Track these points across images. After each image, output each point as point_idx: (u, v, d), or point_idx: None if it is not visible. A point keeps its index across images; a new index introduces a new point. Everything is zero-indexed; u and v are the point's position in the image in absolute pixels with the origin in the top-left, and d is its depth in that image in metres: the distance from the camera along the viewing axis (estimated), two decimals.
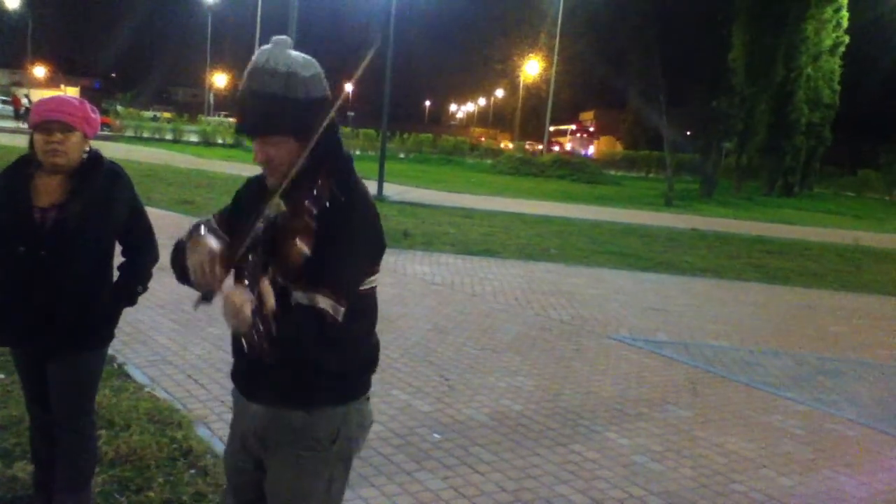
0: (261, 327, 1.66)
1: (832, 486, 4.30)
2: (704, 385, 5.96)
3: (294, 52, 1.90)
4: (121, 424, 4.01)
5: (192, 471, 3.64)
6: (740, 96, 33.65)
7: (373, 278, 2.01)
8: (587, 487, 3.97)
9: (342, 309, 1.82)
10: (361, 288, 1.96)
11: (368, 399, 2.14)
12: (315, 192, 1.86)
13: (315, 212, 1.83)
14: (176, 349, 5.49)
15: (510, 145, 61.42)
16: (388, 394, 5.00)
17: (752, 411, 5.46)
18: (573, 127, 58.69)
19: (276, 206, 1.83)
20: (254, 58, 1.88)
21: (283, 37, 1.90)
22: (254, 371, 2.00)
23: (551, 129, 57.12)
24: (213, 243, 1.82)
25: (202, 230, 1.90)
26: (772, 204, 31.77)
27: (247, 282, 1.86)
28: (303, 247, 1.76)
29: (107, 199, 2.80)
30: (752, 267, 12.75)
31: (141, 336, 5.69)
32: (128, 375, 4.85)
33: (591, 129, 47.33)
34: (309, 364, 1.92)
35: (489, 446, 4.37)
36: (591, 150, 45.71)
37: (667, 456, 4.49)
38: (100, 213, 2.77)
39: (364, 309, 2.00)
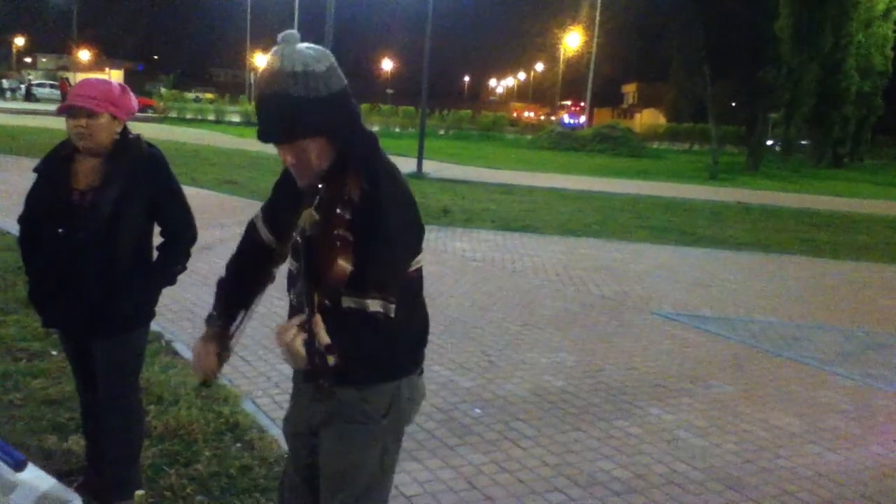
0: (317, 360, 1.66)
1: (881, 462, 4.23)
2: (749, 360, 5.88)
3: (305, 48, 1.82)
4: (169, 400, 4.10)
5: (239, 444, 3.72)
6: (787, 66, 32.74)
7: (417, 259, 1.99)
8: (630, 463, 3.96)
9: (392, 306, 1.81)
10: (408, 271, 1.95)
11: (422, 373, 2.15)
12: (345, 195, 1.81)
13: (348, 217, 1.79)
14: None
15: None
16: (429, 370, 5.01)
17: (799, 387, 5.38)
18: (569, 103, 69.77)
19: (310, 216, 1.81)
20: (268, 61, 1.81)
21: (291, 31, 1.83)
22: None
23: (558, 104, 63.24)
24: (213, 332, 2.20)
25: (213, 317, 2.25)
26: (820, 176, 30.97)
27: (293, 301, 1.99)
28: (345, 264, 1.73)
29: (143, 181, 2.83)
30: (799, 240, 12.48)
31: (188, 314, 5.80)
32: (175, 352, 4.94)
33: (582, 104, 55.95)
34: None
35: (531, 422, 4.38)
36: (582, 119, 54.48)
37: (711, 431, 4.45)
38: (136, 196, 2.80)
39: (412, 289, 2.00)
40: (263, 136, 1.84)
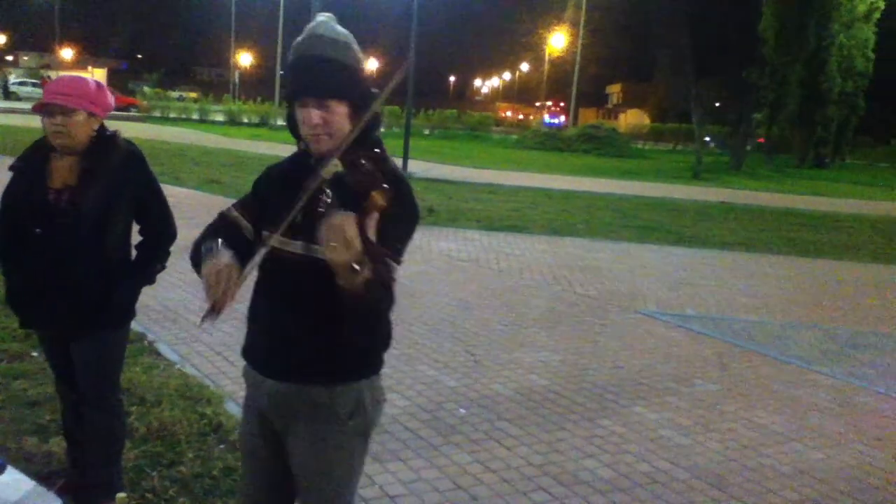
0: (370, 248, 1.62)
1: (862, 460, 4.26)
2: (733, 359, 5.92)
3: (340, 27, 1.98)
4: (152, 401, 4.07)
5: (222, 446, 3.69)
6: (771, 67, 32.99)
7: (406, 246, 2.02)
8: (614, 461, 3.97)
9: (397, 269, 1.85)
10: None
11: (379, 375, 2.15)
12: (369, 154, 1.90)
13: (372, 168, 1.84)
14: (205, 327, 5.55)
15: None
16: (414, 369, 5.02)
17: (782, 385, 5.41)
18: (549, 103, 72.47)
19: (334, 166, 1.85)
20: (311, 27, 1.94)
21: (330, 14, 1.98)
22: (274, 347, 2.03)
23: (538, 104, 65.08)
24: (228, 256, 1.86)
25: (219, 245, 1.92)
26: (803, 176, 31.24)
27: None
28: (379, 197, 1.73)
29: (121, 179, 2.80)
30: (782, 240, 12.58)
31: (171, 314, 5.76)
32: (158, 353, 4.91)
33: (562, 104, 58.80)
34: (334, 341, 1.94)
35: (515, 421, 4.38)
36: (562, 119, 56.85)
37: (694, 430, 4.47)
38: (114, 194, 2.77)
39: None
40: (298, 92, 1.94)
